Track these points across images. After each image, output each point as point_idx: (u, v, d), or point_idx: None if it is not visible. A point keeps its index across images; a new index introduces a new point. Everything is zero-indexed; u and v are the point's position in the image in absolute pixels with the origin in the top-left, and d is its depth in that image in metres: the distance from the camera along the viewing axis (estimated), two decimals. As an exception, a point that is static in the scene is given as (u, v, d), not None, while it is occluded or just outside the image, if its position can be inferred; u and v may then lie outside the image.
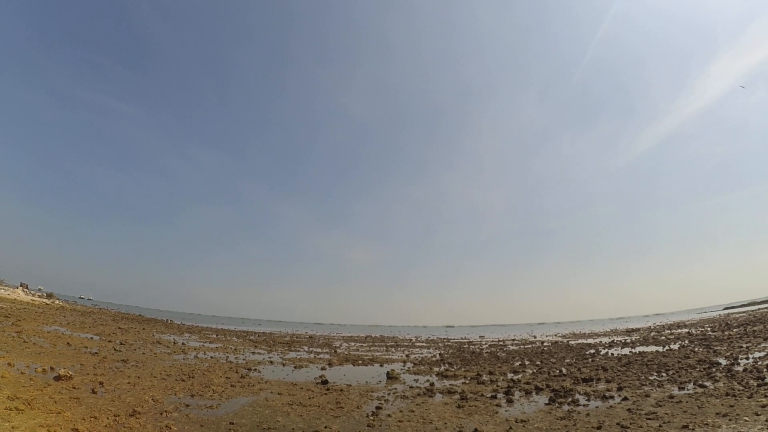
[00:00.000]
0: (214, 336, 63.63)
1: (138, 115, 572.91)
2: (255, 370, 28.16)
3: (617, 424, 13.53)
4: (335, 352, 47.76)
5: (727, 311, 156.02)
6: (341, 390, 21.60)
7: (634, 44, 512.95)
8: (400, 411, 16.82)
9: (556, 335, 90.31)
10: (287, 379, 24.84)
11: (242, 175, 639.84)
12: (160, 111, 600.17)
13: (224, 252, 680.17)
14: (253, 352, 41.27)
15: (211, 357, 33.90)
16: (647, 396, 17.99)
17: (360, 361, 36.65)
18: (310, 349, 51.02)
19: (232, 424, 13.75)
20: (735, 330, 51.57)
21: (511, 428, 13.86)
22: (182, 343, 43.93)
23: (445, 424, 14.64)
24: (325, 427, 13.92)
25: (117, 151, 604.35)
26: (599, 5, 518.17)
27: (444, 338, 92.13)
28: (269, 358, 36.89)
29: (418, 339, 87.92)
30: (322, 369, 30.69)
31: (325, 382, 23.83)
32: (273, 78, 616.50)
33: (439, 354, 46.91)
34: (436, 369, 31.53)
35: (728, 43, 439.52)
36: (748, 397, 15.32)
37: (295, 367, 30.79)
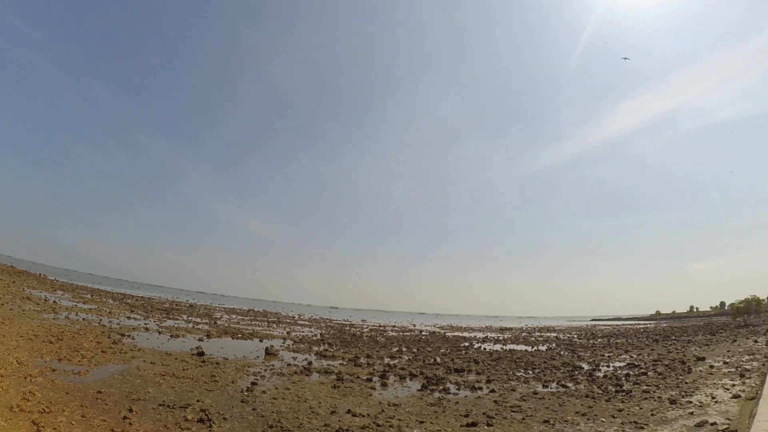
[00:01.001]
0: (89, 296, 60.38)
1: (38, 38, 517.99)
2: (129, 336, 27.01)
3: (483, 413, 14.16)
4: (215, 323, 46.77)
5: (594, 322, 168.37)
6: (217, 363, 21.18)
7: (555, 69, 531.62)
8: (276, 388, 16.75)
9: (434, 326, 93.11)
10: (162, 348, 24.02)
11: (147, 126, 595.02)
12: (64, 37, 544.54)
13: (118, 206, 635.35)
14: (129, 317, 39.58)
15: (83, 319, 32.17)
16: (513, 390, 18.94)
17: (239, 335, 36.11)
18: (189, 318, 49.65)
19: (100, 393, 13.11)
20: (599, 340, 55.48)
21: (383, 411, 14.17)
22: (54, 301, 41.35)
23: (320, 403, 14.74)
24: (198, 400, 13.60)
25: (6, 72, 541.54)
26: (537, 25, 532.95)
27: (327, 319, 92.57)
28: (145, 324, 35.48)
29: (302, 317, 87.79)
30: (200, 340, 29.96)
31: (201, 353, 23.28)
32: (196, 29, 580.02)
33: (320, 334, 47.12)
34: (315, 348, 31.66)
35: (645, 86, 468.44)
36: (606, 401, 16.45)
37: (171, 336, 29.85)
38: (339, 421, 12.45)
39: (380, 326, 76.94)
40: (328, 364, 24.31)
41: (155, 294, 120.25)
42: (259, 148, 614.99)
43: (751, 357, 26.66)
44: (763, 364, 21.60)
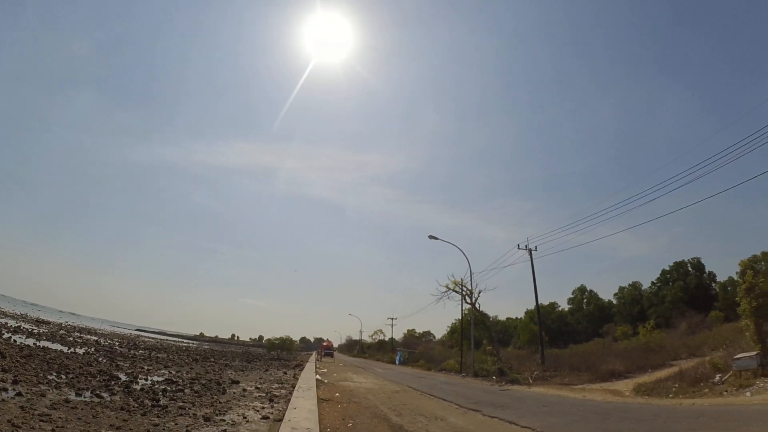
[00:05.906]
0: None
1: None
2: None
3: (8, 421, 12.83)
4: None
5: (138, 332, 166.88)
6: None
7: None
8: None
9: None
10: None
11: None
12: None
13: None
14: None
15: None
16: (43, 396, 17.59)
17: None
18: None
19: None
20: (141, 351, 55.69)
21: None
22: None
23: None
24: None
25: None
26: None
27: None
28: None
29: None
30: None
31: None
32: None
33: None
34: None
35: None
36: (142, 415, 16.52)
37: None
38: None
39: None
40: None
41: None
42: None
43: (280, 385, 30.86)
44: (290, 392, 24.96)
